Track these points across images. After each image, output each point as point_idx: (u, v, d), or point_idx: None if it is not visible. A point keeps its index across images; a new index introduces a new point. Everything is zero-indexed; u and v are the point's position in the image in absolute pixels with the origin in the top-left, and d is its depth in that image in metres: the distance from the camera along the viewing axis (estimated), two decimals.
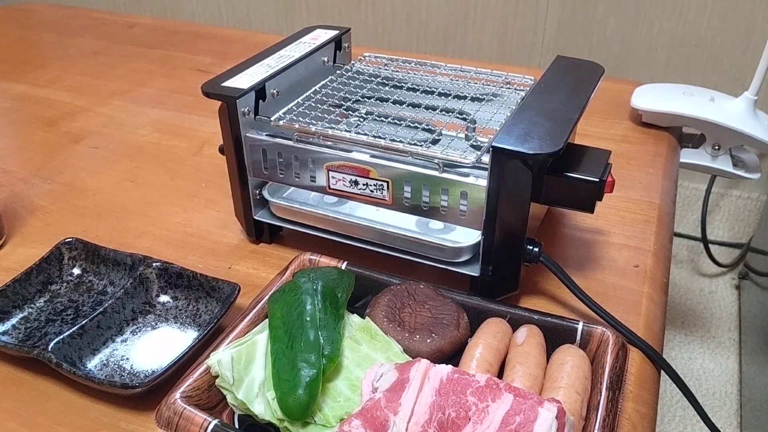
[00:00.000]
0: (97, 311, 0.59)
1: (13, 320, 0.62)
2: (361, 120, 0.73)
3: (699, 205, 1.76)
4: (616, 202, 0.79)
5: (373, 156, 0.62)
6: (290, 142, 0.65)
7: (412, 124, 0.66)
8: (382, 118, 0.68)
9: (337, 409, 0.48)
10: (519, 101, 0.68)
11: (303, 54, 0.72)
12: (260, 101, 0.66)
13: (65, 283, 0.66)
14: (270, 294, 0.56)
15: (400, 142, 0.61)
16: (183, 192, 0.85)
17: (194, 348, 0.55)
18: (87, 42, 1.37)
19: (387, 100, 0.72)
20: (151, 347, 0.59)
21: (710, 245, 1.73)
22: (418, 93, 0.73)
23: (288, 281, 0.57)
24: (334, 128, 0.63)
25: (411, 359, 0.50)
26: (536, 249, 0.59)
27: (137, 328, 0.61)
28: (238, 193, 0.71)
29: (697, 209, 1.78)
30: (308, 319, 0.51)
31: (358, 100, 0.72)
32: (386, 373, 0.48)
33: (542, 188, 0.58)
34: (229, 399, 0.49)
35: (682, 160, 0.95)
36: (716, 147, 0.94)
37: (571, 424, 0.44)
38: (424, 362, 0.47)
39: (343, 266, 0.60)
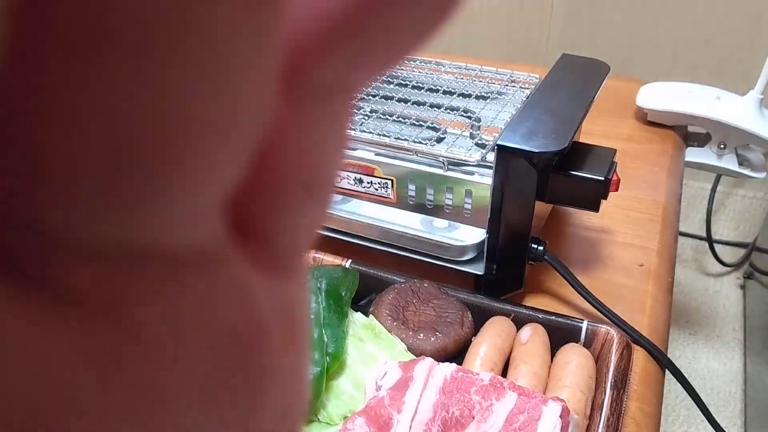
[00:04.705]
0: None
1: None
2: (366, 118, 0.73)
3: (704, 204, 1.75)
4: (621, 201, 0.79)
5: (377, 154, 0.62)
6: None
7: (416, 122, 0.66)
8: (387, 116, 0.68)
9: (341, 407, 0.48)
10: (524, 99, 0.67)
11: None
12: None
13: None
14: None
15: (405, 140, 0.61)
16: None
17: None
18: None
19: (391, 98, 0.72)
20: None
21: (715, 244, 1.72)
22: (422, 91, 0.72)
23: None
24: None
25: (415, 357, 0.50)
26: (541, 248, 0.59)
27: None
28: None
29: (702, 208, 1.77)
30: (312, 317, 0.51)
31: (363, 98, 0.72)
32: (390, 372, 0.48)
33: (547, 187, 0.57)
34: None
35: (687, 159, 0.94)
36: (722, 146, 0.94)
37: (576, 423, 0.44)
38: (428, 361, 0.47)
39: (347, 264, 0.60)
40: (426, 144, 0.59)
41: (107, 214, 0.07)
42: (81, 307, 0.07)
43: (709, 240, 1.70)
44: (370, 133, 0.62)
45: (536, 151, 0.52)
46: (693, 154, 0.95)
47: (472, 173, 0.58)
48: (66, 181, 0.06)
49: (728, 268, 1.77)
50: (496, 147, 0.54)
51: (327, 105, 0.08)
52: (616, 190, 0.58)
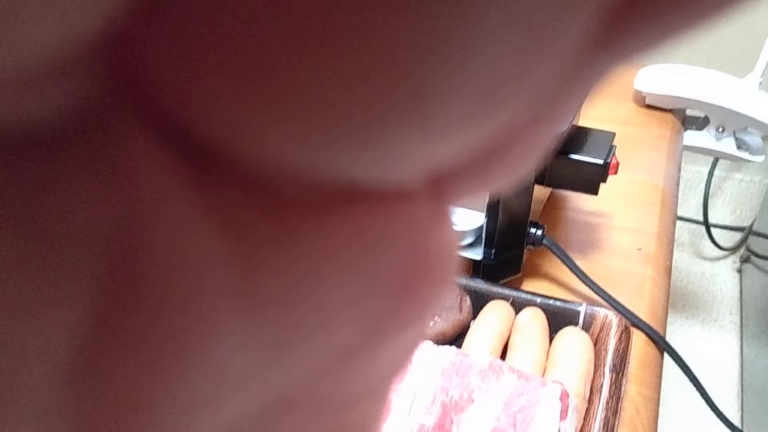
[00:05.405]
0: None
1: None
2: None
3: (701, 188, 1.75)
4: (619, 185, 0.79)
5: None
6: None
7: None
8: None
9: None
10: None
11: None
12: None
13: None
14: None
15: None
16: None
17: None
18: None
19: None
20: None
21: (712, 229, 1.73)
22: None
23: None
24: None
25: None
26: (539, 232, 0.59)
27: None
28: None
29: (699, 192, 1.77)
30: None
31: None
32: None
33: (546, 170, 0.57)
34: None
35: (685, 142, 0.94)
36: (720, 129, 0.93)
37: (575, 407, 0.44)
38: (427, 345, 0.47)
39: None
40: None
41: (352, 155, 0.06)
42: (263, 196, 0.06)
43: (706, 224, 1.70)
44: None
45: None
46: (691, 138, 0.95)
47: None
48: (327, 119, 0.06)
49: (725, 252, 1.77)
50: None
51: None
52: (615, 173, 0.58)
